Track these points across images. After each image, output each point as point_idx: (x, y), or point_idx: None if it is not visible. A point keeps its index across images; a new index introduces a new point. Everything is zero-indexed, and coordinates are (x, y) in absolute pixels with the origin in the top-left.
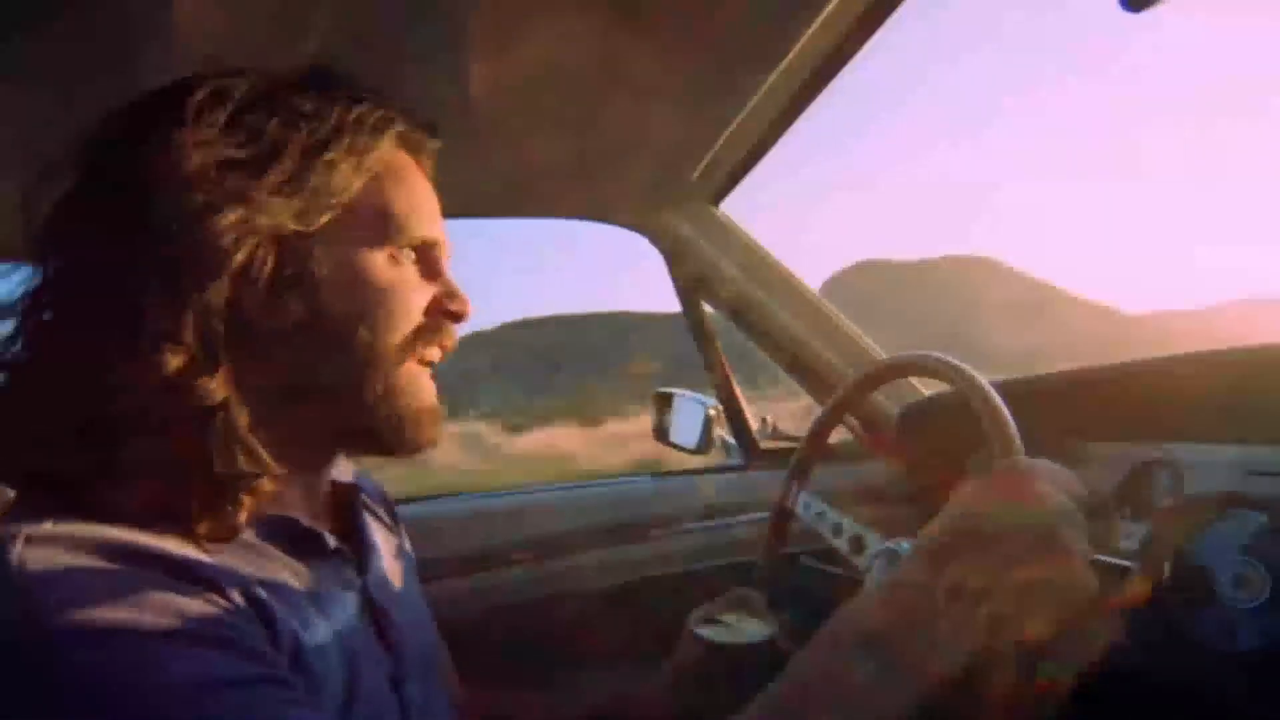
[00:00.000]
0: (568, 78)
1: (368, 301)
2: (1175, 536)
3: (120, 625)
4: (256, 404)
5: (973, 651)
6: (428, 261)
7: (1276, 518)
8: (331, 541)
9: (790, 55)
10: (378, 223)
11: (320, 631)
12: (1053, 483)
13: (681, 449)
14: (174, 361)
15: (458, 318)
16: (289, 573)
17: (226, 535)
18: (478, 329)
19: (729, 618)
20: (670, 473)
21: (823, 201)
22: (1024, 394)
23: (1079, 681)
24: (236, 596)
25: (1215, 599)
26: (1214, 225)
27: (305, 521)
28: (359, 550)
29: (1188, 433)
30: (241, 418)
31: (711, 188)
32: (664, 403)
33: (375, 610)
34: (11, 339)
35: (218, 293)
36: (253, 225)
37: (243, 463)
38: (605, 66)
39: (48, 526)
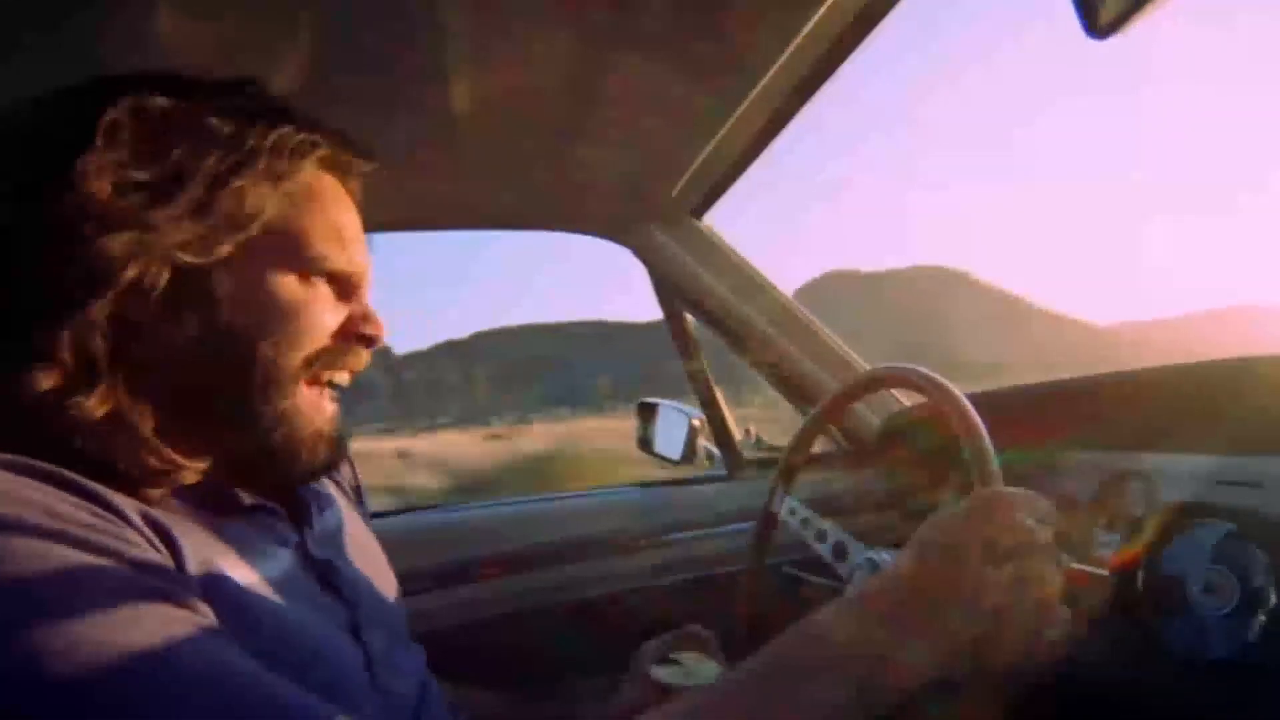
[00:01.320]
0: (551, 91)
1: (272, 319)
2: (1147, 545)
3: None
4: (158, 407)
5: (931, 676)
6: (343, 285)
7: (1245, 526)
8: (245, 499)
9: (773, 70)
10: (290, 247)
11: (247, 578)
12: (1029, 513)
13: (665, 459)
14: (46, 381)
15: (370, 342)
16: (215, 533)
17: (158, 501)
18: (451, 338)
19: (682, 656)
20: (654, 483)
21: (792, 211)
22: (1001, 405)
23: (1053, 691)
24: (141, 524)
25: (1187, 607)
26: (1181, 236)
27: (228, 487)
28: (295, 507)
29: (1160, 443)
30: (144, 425)
31: (694, 201)
32: (648, 413)
33: (319, 564)
34: None
35: (100, 309)
36: (146, 247)
37: (149, 461)
38: (588, 80)
39: None
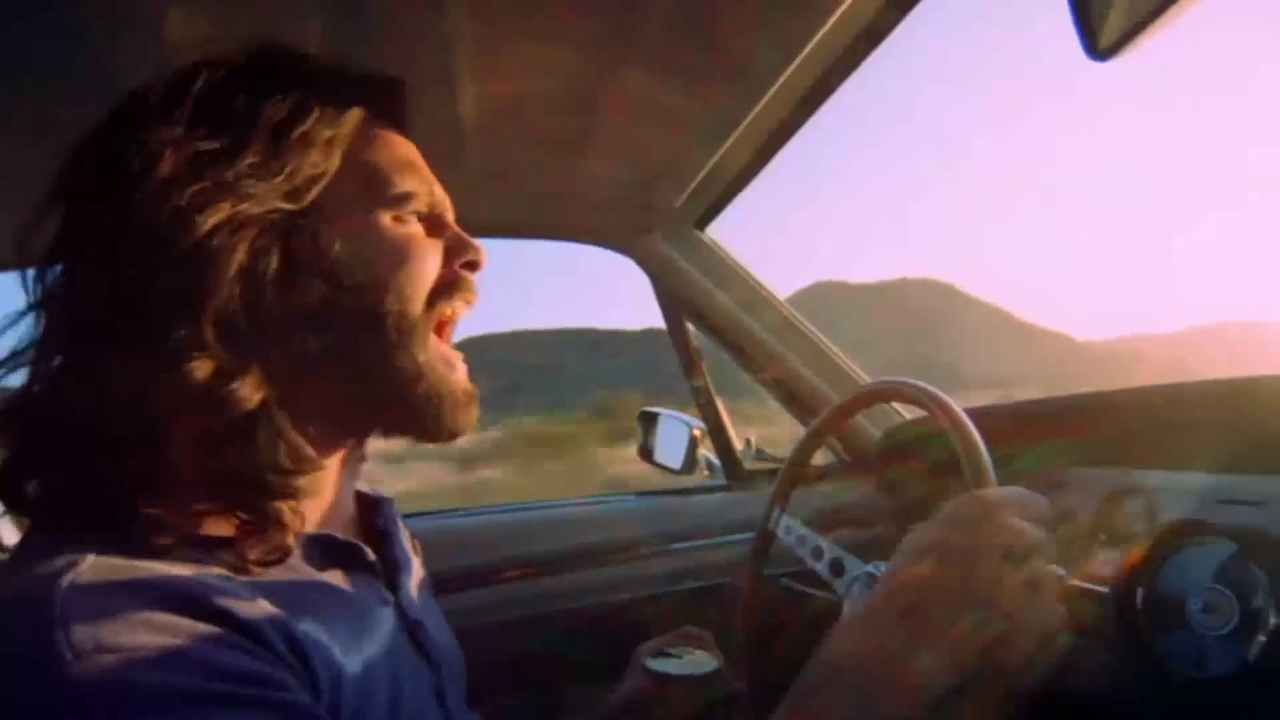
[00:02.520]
0: (556, 102)
1: (386, 268)
2: (1147, 564)
3: (164, 690)
4: (288, 399)
5: (943, 684)
6: (431, 221)
7: (1245, 546)
8: (369, 554)
9: (777, 84)
10: (370, 187)
11: (364, 653)
12: (1022, 512)
13: (666, 468)
14: (201, 371)
15: (474, 266)
16: (330, 596)
17: (276, 557)
18: None
19: (679, 651)
20: (654, 492)
21: (781, 221)
22: (1001, 419)
23: (1051, 706)
24: (277, 641)
25: (1186, 626)
26: (1166, 254)
27: (340, 536)
28: (389, 565)
29: (1161, 460)
30: (281, 415)
31: (697, 212)
32: (649, 422)
33: (411, 624)
34: (18, 354)
35: (229, 293)
36: (243, 216)
37: (286, 461)
38: (593, 91)
39: (88, 567)
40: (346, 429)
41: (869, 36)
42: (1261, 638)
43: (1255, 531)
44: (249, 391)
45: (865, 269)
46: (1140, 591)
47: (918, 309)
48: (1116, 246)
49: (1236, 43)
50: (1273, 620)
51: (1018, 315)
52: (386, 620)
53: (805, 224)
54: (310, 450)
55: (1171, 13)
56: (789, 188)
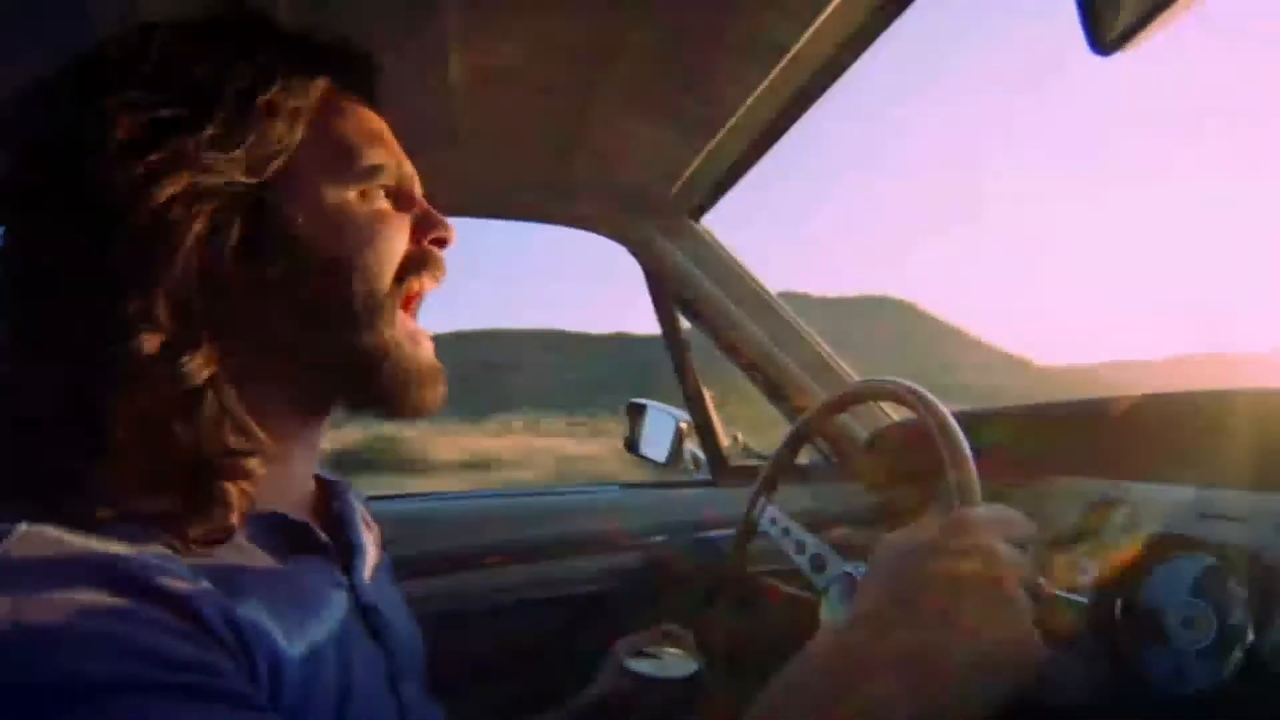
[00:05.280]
0: (553, 88)
1: (352, 245)
2: (1127, 575)
3: (94, 677)
4: (244, 376)
5: (917, 703)
6: (399, 196)
7: (1224, 560)
8: (322, 535)
9: (772, 76)
10: (336, 160)
11: (311, 637)
12: (1005, 533)
13: (651, 461)
14: (149, 344)
15: (443, 243)
16: (277, 578)
17: (219, 537)
18: None
19: (657, 650)
20: (638, 484)
21: (738, 230)
22: (987, 425)
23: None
24: (217, 625)
25: (1165, 639)
26: (1128, 285)
27: (293, 515)
28: (344, 547)
29: (1144, 472)
30: (230, 392)
31: (692, 203)
32: (636, 414)
33: (365, 608)
34: None
35: (184, 267)
36: (202, 187)
37: (233, 441)
38: (589, 79)
39: (18, 538)
40: (308, 407)
41: (863, 32)
42: (1239, 654)
43: (1236, 547)
44: (197, 368)
45: (825, 282)
46: (1119, 603)
47: (875, 325)
48: (1078, 273)
49: (1194, 75)
50: (1250, 636)
51: (976, 335)
52: (339, 604)
53: (769, 231)
54: (260, 430)
55: (1178, 7)
56: (756, 192)
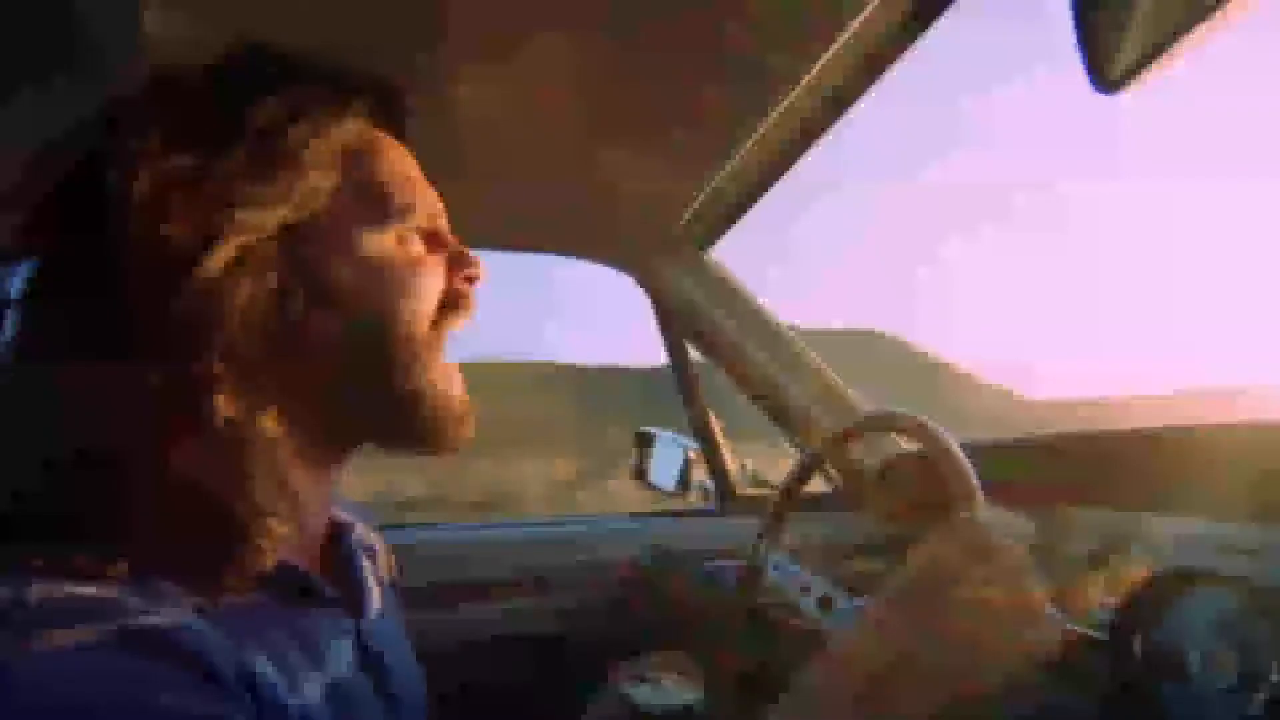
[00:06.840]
0: (561, 119)
1: (392, 294)
2: (1146, 610)
3: None
4: (281, 427)
5: (928, 711)
6: (430, 232)
7: (1246, 597)
8: (329, 591)
9: (780, 109)
10: (372, 204)
11: (314, 689)
12: (1006, 533)
13: (659, 490)
14: (228, 408)
15: (473, 280)
16: (285, 630)
17: (242, 588)
18: None
19: (657, 676)
20: (646, 514)
21: (729, 254)
22: (998, 456)
23: None
24: (229, 678)
25: (1186, 677)
26: (1113, 317)
27: (303, 568)
28: (352, 594)
29: (1163, 506)
30: (270, 446)
31: (700, 233)
32: (645, 442)
33: (371, 657)
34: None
35: (237, 324)
36: (238, 243)
37: (270, 497)
38: (597, 110)
39: (34, 592)
40: (334, 455)
41: (871, 65)
42: (1262, 695)
43: (1258, 582)
44: (244, 424)
45: (810, 313)
46: (1138, 639)
47: (858, 356)
48: (1063, 307)
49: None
50: (1275, 676)
51: (961, 368)
52: (344, 653)
53: (756, 260)
54: (297, 489)
55: (1182, 45)
56: (744, 222)
